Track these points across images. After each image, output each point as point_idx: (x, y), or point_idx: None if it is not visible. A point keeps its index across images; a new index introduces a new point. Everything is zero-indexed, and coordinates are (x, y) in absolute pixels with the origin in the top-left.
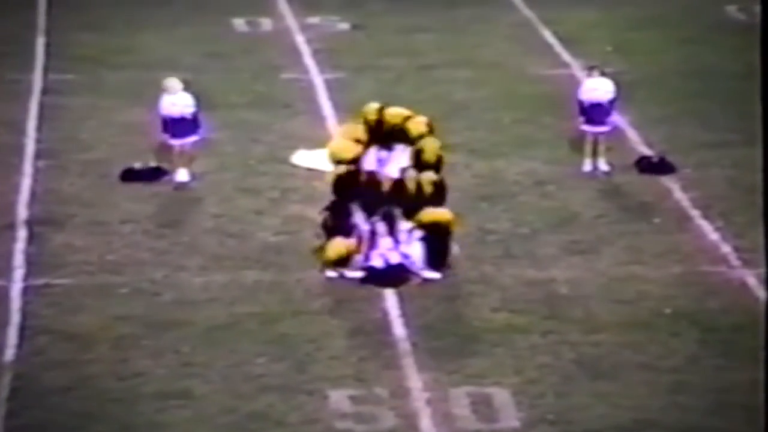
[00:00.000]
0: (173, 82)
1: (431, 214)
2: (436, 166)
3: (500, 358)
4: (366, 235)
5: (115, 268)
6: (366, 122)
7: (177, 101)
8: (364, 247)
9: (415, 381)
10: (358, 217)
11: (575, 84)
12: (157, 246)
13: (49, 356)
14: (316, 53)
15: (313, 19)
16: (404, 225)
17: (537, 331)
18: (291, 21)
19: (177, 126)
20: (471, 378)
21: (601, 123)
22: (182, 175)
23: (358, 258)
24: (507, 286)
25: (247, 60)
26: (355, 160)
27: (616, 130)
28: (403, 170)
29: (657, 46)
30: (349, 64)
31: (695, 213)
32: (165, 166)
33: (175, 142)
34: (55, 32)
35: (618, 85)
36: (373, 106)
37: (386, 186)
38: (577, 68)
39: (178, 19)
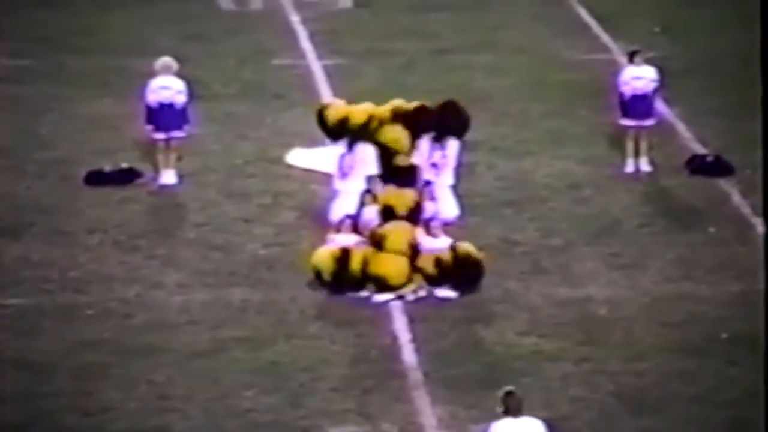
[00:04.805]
0: (168, 61)
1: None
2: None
3: (528, 390)
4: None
5: (79, 286)
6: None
7: (170, 84)
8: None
9: (428, 416)
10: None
11: (615, 71)
12: (129, 260)
13: (1, 388)
14: (313, 35)
15: None
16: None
17: (570, 359)
18: None
19: (164, 116)
20: (493, 413)
21: (645, 116)
22: (168, 177)
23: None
24: (536, 306)
25: (233, 43)
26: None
27: (662, 125)
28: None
29: (712, 25)
30: (352, 48)
31: (756, 221)
32: (138, 167)
33: (160, 136)
34: (7, 10)
35: (665, 71)
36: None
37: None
38: (617, 52)
39: None
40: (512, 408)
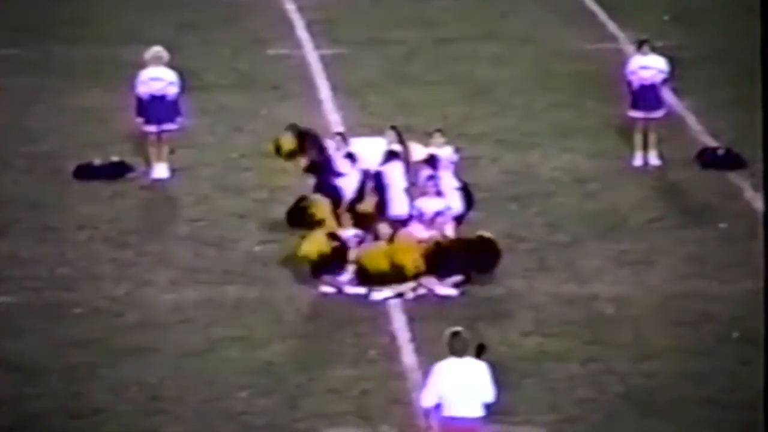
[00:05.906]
0: (159, 51)
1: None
2: None
3: (532, 392)
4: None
5: (67, 284)
6: None
7: (161, 76)
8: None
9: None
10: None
11: (623, 61)
12: (119, 257)
13: None
14: (310, 24)
15: None
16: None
17: (577, 359)
18: None
19: (155, 108)
20: (496, 415)
21: (654, 108)
22: (160, 171)
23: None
24: (541, 305)
25: (227, 32)
26: None
27: (671, 117)
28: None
29: (724, 14)
30: (351, 37)
31: None
32: (129, 161)
33: (151, 129)
34: None
35: (675, 61)
36: None
37: None
38: (625, 41)
39: None
40: (457, 349)
